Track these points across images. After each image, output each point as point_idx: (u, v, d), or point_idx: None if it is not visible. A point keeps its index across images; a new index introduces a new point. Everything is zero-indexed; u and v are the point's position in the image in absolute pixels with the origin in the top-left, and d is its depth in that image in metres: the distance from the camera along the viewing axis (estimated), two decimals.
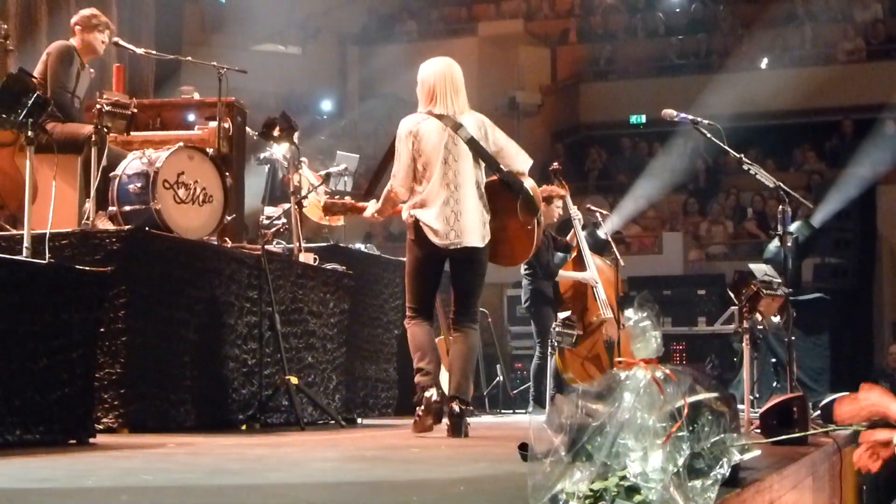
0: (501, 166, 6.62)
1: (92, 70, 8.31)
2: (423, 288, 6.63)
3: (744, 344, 7.08)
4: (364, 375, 9.71)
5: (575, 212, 10.24)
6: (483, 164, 6.59)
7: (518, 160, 6.71)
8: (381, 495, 3.55)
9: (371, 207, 6.81)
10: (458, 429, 6.28)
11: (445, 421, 6.37)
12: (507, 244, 6.77)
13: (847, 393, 7.47)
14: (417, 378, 6.49)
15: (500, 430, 7.88)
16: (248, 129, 8.98)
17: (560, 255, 10.14)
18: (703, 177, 19.74)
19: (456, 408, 6.30)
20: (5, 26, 7.86)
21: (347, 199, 7.19)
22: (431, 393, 6.36)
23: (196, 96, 9.12)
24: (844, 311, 13.14)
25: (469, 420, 6.44)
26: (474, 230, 6.47)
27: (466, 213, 6.45)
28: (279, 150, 8.72)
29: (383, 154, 6.84)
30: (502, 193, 6.66)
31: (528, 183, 6.71)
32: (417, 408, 6.43)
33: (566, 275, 10.14)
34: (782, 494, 4.12)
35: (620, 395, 2.96)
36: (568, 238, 10.34)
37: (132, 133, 7.59)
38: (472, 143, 6.49)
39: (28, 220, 5.67)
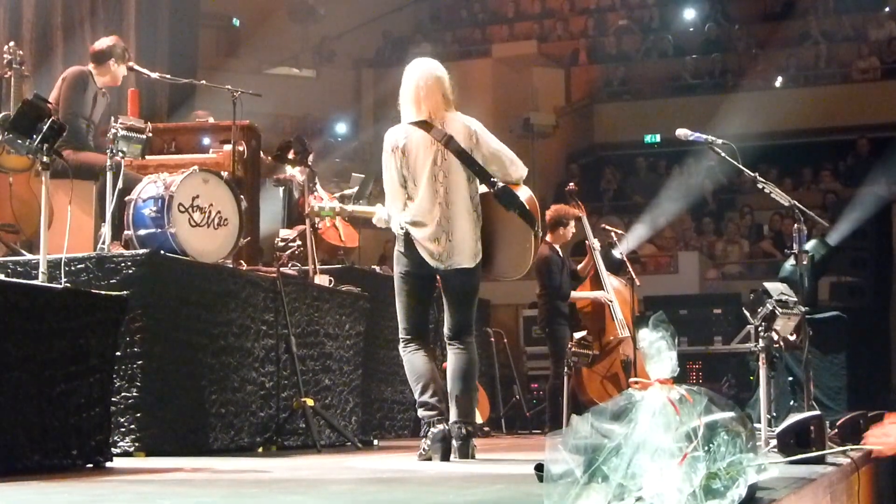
0: (495, 179, 6.26)
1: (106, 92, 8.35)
2: (414, 307, 6.35)
3: (760, 363, 7.05)
4: (380, 397, 9.72)
5: (592, 240, 10.27)
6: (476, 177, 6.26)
7: (512, 169, 6.33)
8: None
9: (379, 214, 6.40)
10: (465, 451, 6.11)
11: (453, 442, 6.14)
12: (504, 257, 6.38)
13: (864, 411, 7.44)
14: (421, 413, 6.19)
15: (517, 450, 7.86)
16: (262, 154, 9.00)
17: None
18: (719, 196, 19.70)
19: (462, 430, 6.11)
20: (21, 52, 7.92)
21: (336, 204, 6.96)
22: (439, 429, 6.06)
23: (210, 120, 9.17)
24: (861, 329, 13.04)
25: (475, 443, 6.26)
26: (466, 250, 6.18)
27: (458, 232, 6.15)
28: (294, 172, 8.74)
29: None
30: (498, 204, 6.29)
31: (524, 194, 6.32)
32: (423, 441, 6.15)
33: (579, 295, 10.17)
34: None
35: (636, 416, 2.96)
36: (581, 266, 10.40)
37: (147, 157, 7.62)
38: (463, 157, 6.17)
39: (44, 244, 5.68)
